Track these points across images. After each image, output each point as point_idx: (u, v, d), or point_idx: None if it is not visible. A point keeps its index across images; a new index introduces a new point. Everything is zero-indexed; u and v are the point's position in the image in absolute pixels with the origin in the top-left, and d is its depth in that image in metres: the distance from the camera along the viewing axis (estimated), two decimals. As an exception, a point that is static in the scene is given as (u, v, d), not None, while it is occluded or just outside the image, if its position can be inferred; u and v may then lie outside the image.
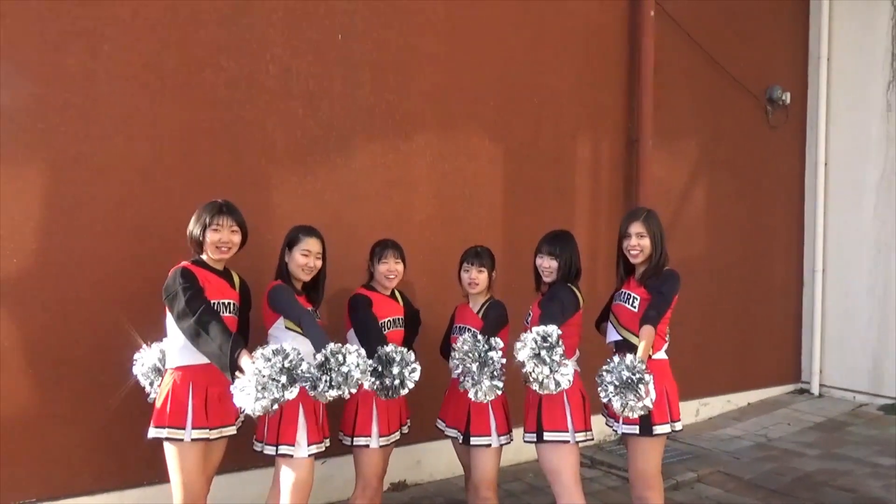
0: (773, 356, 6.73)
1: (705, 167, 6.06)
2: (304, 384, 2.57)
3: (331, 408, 3.14)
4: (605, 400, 2.79)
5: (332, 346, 2.61)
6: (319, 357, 2.59)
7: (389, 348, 2.86)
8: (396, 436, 3.26)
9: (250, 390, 2.46)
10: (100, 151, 3.49)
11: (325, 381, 2.57)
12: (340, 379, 2.57)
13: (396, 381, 2.81)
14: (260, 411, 2.48)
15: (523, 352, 2.71)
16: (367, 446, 3.15)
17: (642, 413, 2.78)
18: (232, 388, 2.54)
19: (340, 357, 2.59)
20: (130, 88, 3.56)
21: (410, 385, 2.84)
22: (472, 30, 4.68)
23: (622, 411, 2.75)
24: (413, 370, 2.85)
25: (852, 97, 6.60)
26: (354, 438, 3.16)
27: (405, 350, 2.90)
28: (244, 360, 2.55)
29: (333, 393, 2.57)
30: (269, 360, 2.49)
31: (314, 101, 4.08)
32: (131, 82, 3.56)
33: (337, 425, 3.23)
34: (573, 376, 2.80)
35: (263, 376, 2.46)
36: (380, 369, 2.82)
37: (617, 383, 2.73)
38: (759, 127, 6.48)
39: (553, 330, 2.72)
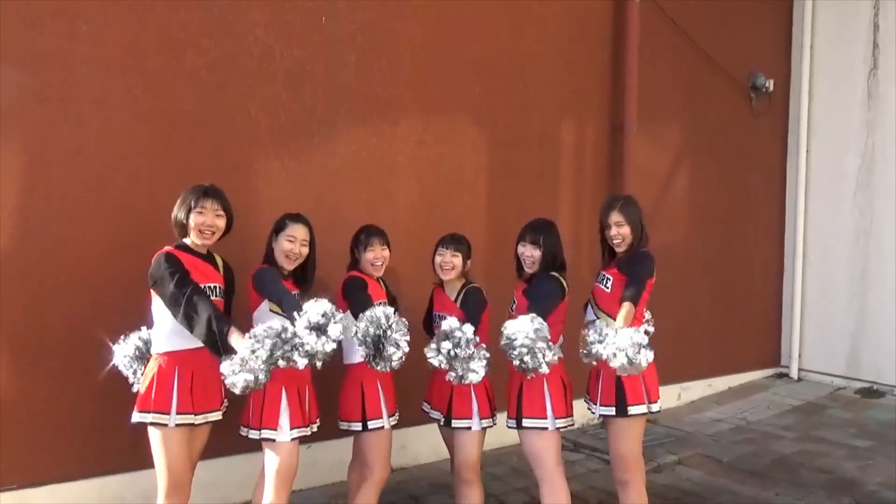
0: (753, 341, 6.82)
1: (688, 153, 6.10)
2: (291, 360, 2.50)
3: (322, 394, 3.14)
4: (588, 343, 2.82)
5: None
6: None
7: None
8: (397, 417, 3.27)
9: (249, 360, 2.44)
10: (78, 134, 3.44)
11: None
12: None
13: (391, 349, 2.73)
14: (252, 383, 2.45)
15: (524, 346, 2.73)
16: (382, 428, 3.15)
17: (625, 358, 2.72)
18: (222, 367, 2.50)
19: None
20: (109, 70, 3.50)
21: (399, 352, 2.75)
22: (457, 14, 4.65)
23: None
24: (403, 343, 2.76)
25: (834, 85, 6.66)
26: (368, 422, 3.12)
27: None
28: (234, 337, 2.54)
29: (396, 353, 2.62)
30: (263, 337, 2.47)
31: (297, 84, 4.04)
32: (110, 64, 3.50)
33: (328, 410, 3.21)
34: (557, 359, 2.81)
35: (254, 351, 2.45)
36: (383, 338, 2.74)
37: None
38: (743, 114, 6.52)
39: (543, 325, 2.76)
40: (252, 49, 3.89)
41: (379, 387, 3.15)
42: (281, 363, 2.47)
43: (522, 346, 2.69)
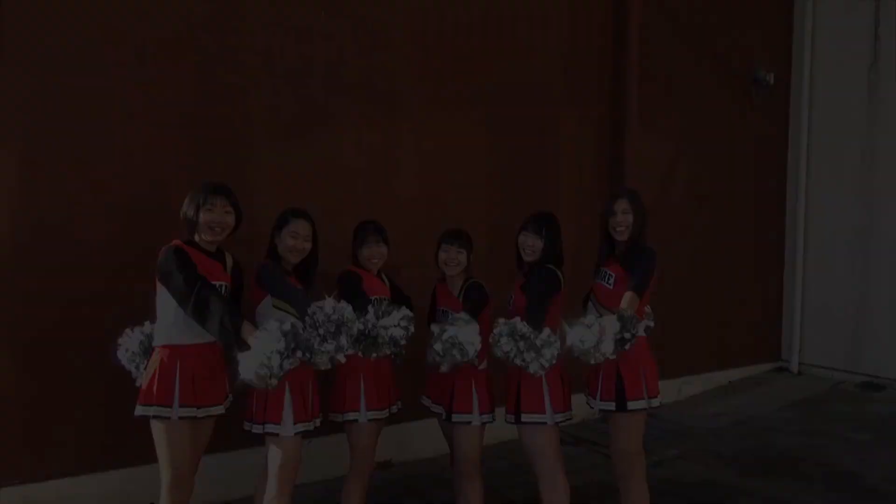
0: (753, 335, 6.82)
1: (689, 146, 6.08)
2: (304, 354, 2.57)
3: (324, 390, 3.14)
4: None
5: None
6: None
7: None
8: (386, 412, 3.28)
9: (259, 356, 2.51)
10: (76, 130, 3.44)
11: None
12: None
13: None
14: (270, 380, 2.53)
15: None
16: (356, 421, 3.16)
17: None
18: (240, 360, 2.56)
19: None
20: (107, 66, 3.49)
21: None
22: (457, 9, 4.64)
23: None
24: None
25: (835, 78, 6.63)
26: (344, 414, 3.16)
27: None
28: (246, 331, 2.58)
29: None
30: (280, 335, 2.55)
31: (297, 79, 4.03)
32: (108, 60, 3.50)
33: (328, 406, 3.22)
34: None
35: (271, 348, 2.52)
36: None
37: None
38: (743, 107, 6.50)
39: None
40: (252, 44, 3.88)
41: (361, 379, 3.15)
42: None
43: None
